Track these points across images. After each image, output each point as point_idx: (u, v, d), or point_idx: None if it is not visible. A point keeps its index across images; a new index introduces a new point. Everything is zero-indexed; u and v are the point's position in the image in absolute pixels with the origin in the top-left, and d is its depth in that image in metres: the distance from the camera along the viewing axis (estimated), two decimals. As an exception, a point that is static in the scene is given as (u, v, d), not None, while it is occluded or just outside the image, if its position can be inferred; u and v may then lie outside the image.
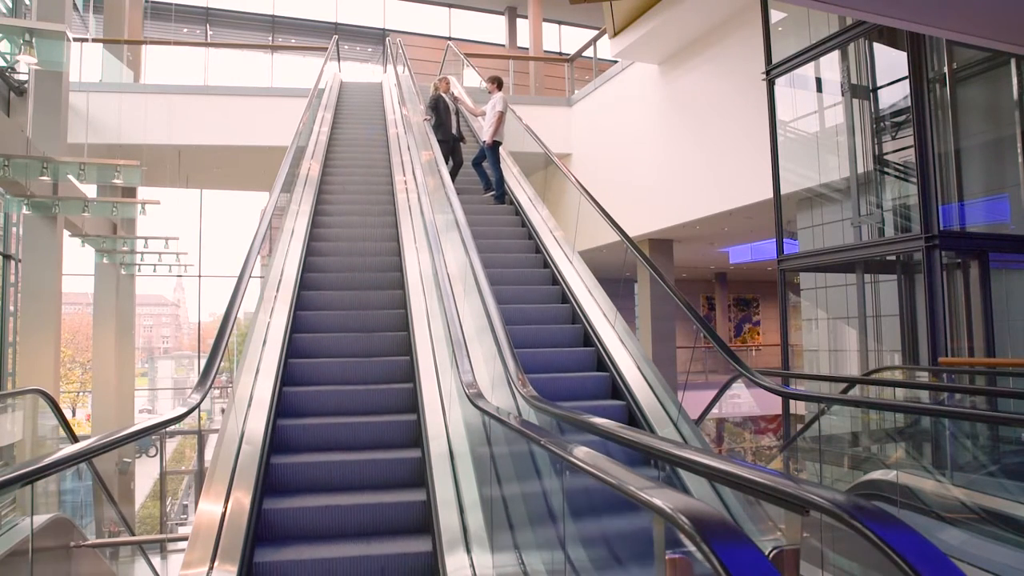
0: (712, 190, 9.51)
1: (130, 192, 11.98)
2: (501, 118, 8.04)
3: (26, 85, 8.94)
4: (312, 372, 4.70)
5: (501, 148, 8.26)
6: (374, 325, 5.32)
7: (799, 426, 6.35)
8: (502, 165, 8.18)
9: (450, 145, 8.33)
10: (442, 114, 8.30)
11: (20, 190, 7.57)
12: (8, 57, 8.64)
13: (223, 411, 4.29)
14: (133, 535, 6.82)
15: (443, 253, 4.97)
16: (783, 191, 7.09)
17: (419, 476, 3.81)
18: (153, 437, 13.59)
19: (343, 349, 5.00)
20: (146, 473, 15.34)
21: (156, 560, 6.34)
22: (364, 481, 3.79)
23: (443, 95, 8.48)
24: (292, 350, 4.84)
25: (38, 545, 3.43)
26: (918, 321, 6.02)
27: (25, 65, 7.71)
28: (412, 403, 4.44)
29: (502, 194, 8.00)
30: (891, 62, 6.38)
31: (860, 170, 6.78)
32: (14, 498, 3.82)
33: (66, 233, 9.45)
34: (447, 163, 7.62)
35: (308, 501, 3.53)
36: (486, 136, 8.06)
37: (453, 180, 6.88)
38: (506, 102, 8.17)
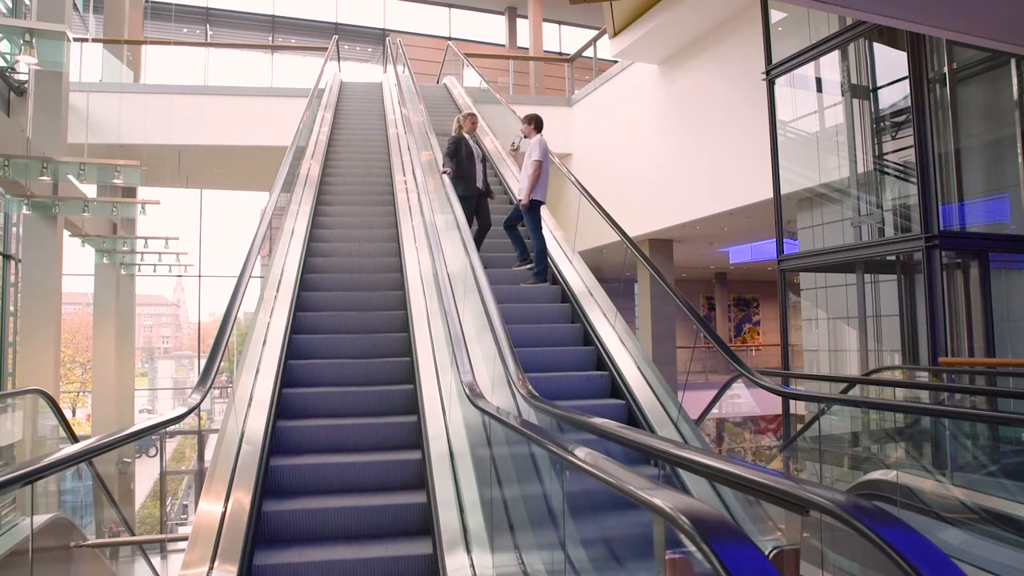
0: (712, 190, 9.51)
1: (130, 192, 11.98)
2: (539, 169, 6.13)
3: (26, 85, 8.94)
4: (312, 373, 4.69)
5: (543, 208, 6.45)
6: (374, 326, 5.31)
7: (799, 426, 6.35)
8: (544, 230, 6.30)
9: (474, 202, 6.44)
10: (464, 161, 6.41)
11: (20, 190, 7.57)
12: (8, 57, 8.64)
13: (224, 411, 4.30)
14: (133, 535, 6.83)
15: (443, 253, 4.97)
16: (783, 191, 7.09)
17: (419, 478, 3.80)
18: (153, 437, 13.59)
19: (343, 350, 4.98)
20: (146, 473, 15.34)
21: (156, 560, 6.33)
22: (364, 483, 3.76)
23: (466, 136, 6.60)
24: (292, 351, 4.83)
25: (38, 545, 3.43)
26: (918, 321, 6.02)
27: (25, 65, 7.70)
28: (412, 404, 4.43)
29: (544, 269, 6.08)
30: (891, 62, 6.38)
31: (860, 170, 6.79)
32: (14, 498, 3.82)
33: (66, 233, 9.45)
34: (470, 224, 5.89)
35: (308, 503, 3.51)
36: (521, 195, 6.22)
37: (478, 247, 5.44)
38: (545, 148, 6.27)
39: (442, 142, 6.98)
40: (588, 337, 5.33)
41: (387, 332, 5.22)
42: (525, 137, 6.53)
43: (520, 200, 6.22)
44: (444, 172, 6.22)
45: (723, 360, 4.40)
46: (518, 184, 6.56)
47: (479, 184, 6.50)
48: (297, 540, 3.34)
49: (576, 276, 6.05)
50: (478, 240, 6.38)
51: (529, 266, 6.24)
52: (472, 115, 6.91)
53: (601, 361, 5.07)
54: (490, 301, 3.98)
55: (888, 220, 6.53)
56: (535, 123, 6.46)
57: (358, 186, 8.23)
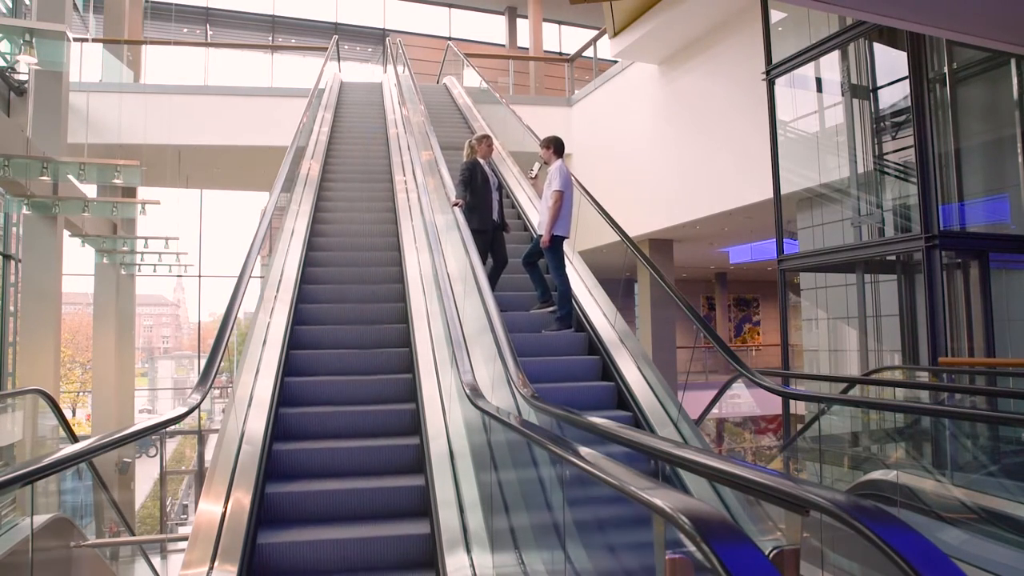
0: (712, 190, 9.51)
1: (130, 192, 11.98)
2: (560, 201, 5.41)
3: (26, 85, 8.94)
4: (310, 389, 4.56)
5: (566, 244, 5.69)
6: (375, 328, 5.26)
7: (799, 426, 6.35)
8: (568, 268, 5.61)
9: (489, 236, 5.71)
10: (479, 190, 5.69)
11: (20, 190, 7.57)
12: (8, 57, 8.64)
13: (223, 411, 4.28)
14: (133, 535, 6.83)
15: (443, 253, 4.96)
16: (783, 191, 7.09)
17: (423, 506, 3.65)
18: (153, 437, 13.59)
19: (345, 366, 4.85)
20: (146, 473, 15.34)
21: (156, 560, 6.34)
22: (363, 510, 3.62)
23: (481, 161, 5.87)
24: (289, 364, 4.69)
25: (38, 545, 3.43)
26: (918, 321, 6.02)
27: (25, 65, 7.71)
28: (415, 424, 4.30)
29: (568, 313, 5.40)
30: (891, 62, 6.38)
31: (860, 170, 6.79)
32: (14, 498, 3.82)
33: (66, 233, 9.45)
34: (484, 263, 5.11)
35: (305, 535, 3.37)
36: (541, 229, 5.54)
37: (493, 287, 4.95)
38: (567, 175, 5.56)
39: (453, 167, 6.29)
40: (623, 399, 4.70)
41: (389, 346, 5.12)
42: (544, 163, 5.81)
43: (540, 236, 5.50)
44: (455, 204, 5.52)
45: (723, 360, 4.40)
46: (538, 217, 5.93)
47: (495, 216, 5.78)
48: (295, 571, 3.25)
49: (576, 276, 6.00)
50: (493, 278, 5.57)
51: (551, 308, 5.52)
52: (487, 137, 6.11)
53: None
54: (490, 301, 3.98)
55: (888, 220, 6.53)
56: (554, 146, 5.68)
57: (358, 186, 8.22)
